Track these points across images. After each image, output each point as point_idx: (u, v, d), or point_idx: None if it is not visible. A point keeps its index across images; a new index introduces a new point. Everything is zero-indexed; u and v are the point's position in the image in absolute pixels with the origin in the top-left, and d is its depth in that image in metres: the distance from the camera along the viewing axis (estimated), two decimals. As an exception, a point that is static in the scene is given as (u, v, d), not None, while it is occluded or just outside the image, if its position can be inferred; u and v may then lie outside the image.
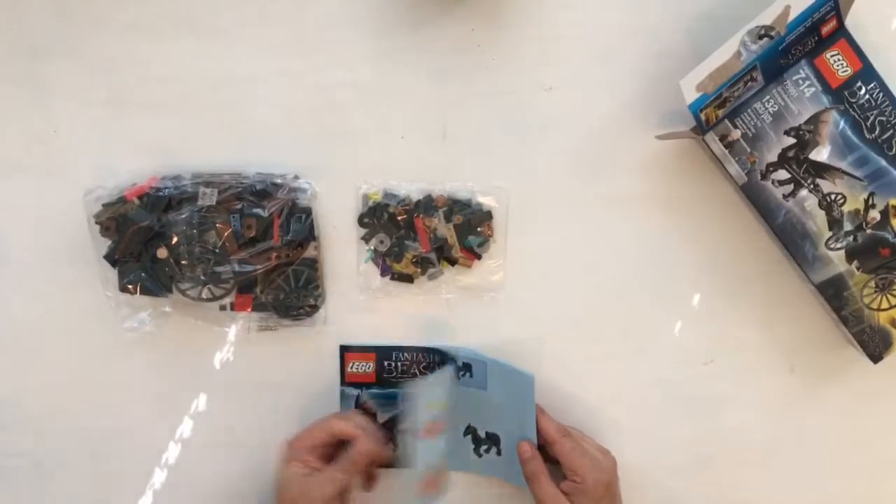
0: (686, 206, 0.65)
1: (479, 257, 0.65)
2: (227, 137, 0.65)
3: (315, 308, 0.65)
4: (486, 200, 0.65)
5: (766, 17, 0.56)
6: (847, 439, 0.67)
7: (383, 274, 0.65)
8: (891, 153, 0.59)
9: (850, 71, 0.58)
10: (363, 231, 0.65)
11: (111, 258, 0.63)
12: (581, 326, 0.67)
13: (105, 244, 0.63)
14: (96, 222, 0.62)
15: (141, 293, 0.63)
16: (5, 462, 0.69)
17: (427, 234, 0.64)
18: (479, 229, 0.64)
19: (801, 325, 0.66)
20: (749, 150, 0.59)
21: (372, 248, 0.65)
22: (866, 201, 0.59)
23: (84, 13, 0.63)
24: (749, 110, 0.59)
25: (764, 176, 0.59)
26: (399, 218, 0.64)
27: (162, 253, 0.62)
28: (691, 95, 0.57)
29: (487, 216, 0.64)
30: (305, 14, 0.63)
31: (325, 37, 0.63)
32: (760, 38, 0.56)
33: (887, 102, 0.58)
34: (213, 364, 0.67)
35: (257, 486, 0.68)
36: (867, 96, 0.58)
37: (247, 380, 0.68)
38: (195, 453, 0.69)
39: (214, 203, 0.62)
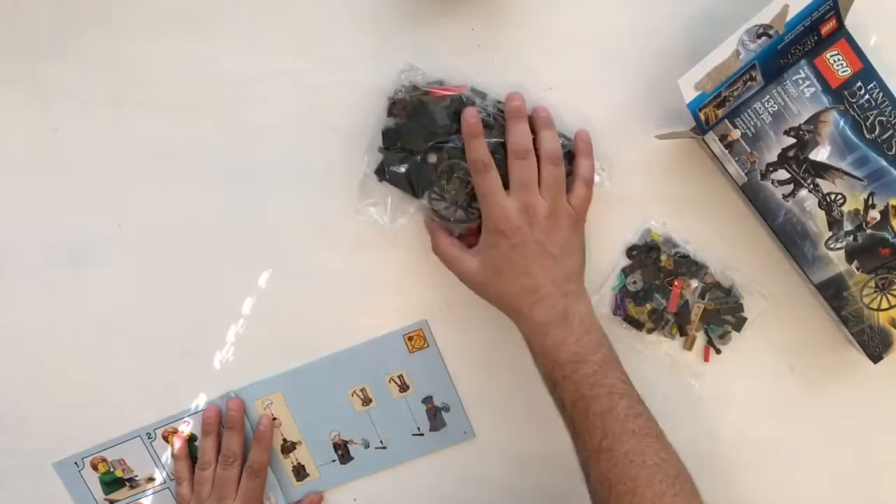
0: (686, 206, 0.65)
1: (717, 351, 0.65)
2: (227, 137, 0.65)
3: None
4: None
5: (765, 16, 0.56)
6: (847, 439, 0.67)
7: (615, 311, 0.65)
8: (891, 153, 0.59)
9: (850, 71, 0.58)
10: (628, 261, 0.65)
11: (390, 138, 0.61)
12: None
13: (390, 122, 0.61)
14: (393, 98, 0.61)
15: (392, 183, 0.62)
16: (5, 462, 0.69)
17: (679, 296, 0.64)
18: (725, 317, 0.64)
19: (801, 325, 0.66)
20: (749, 150, 0.59)
21: (623, 282, 0.65)
22: (866, 201, 0.59)
23: (84, 13, 0.63)
24: (749, 110, 0.59)
25: (764, 176, 0.59)
26: (663, 265, 0.64)
27: (432, 158, 0.61)
28: (690, 94, 0.57)
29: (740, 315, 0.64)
30: (305, 14, 0.63)
31: (325, 37, 0.63)
32: (759, 37, 0.56)
33: (887, 102, 0.58)
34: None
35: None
36: (867, 96, 0.58)
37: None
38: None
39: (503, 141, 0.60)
